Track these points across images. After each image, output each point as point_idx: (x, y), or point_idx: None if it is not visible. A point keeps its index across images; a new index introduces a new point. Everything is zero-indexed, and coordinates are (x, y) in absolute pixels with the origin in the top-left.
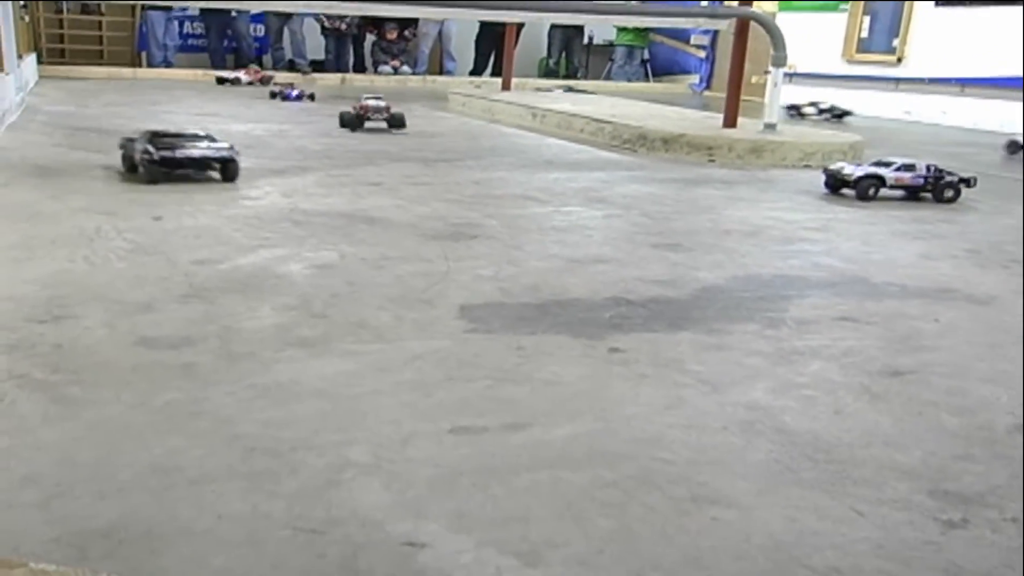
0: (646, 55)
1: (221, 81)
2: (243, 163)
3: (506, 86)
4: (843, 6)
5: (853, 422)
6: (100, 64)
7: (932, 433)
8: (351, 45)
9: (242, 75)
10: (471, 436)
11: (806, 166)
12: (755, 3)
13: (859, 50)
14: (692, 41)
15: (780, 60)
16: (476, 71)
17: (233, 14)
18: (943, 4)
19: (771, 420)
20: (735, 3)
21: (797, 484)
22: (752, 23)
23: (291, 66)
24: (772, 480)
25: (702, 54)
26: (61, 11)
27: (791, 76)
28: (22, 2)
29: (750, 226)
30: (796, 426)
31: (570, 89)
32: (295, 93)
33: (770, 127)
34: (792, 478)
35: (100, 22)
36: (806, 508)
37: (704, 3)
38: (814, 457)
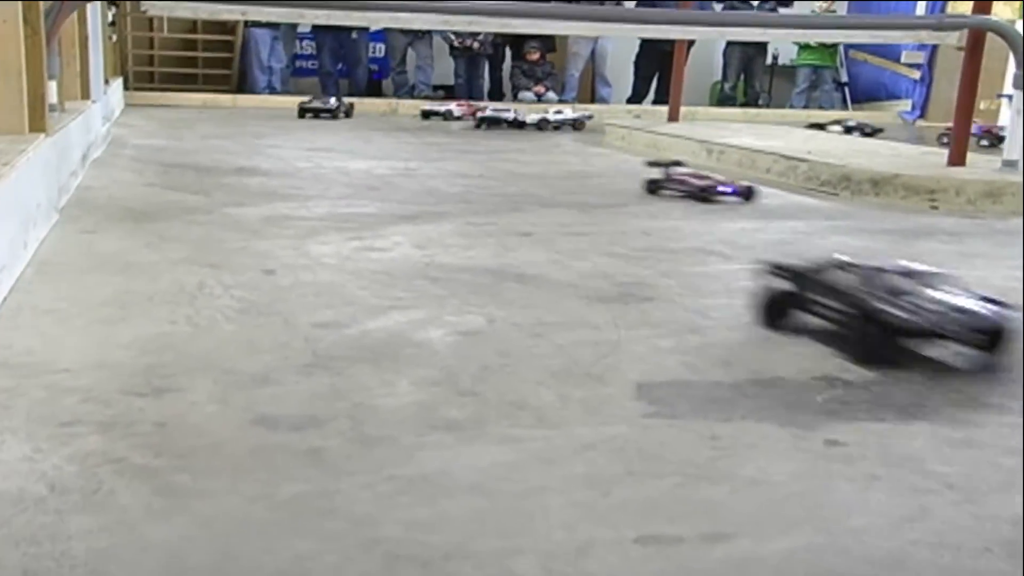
0: (843, 77)
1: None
2: (366, 209)
3: (673, 116)
4: None
5: None
6: (195, 90)
7: None
8: (486, 68)
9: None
10: (662, 547)
11: None
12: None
13: None
14: (903, 59)
15: None
16: (635, 98)
17: (354, 35)
18: None
19: None
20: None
21: None
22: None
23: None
24: None
25: (916, 75)
26: (152, 28)
27: None
28: (111, 22)
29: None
30: None
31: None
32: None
33: (1010, 165)
34: None
35: (196, 41)
36: None
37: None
38: None
